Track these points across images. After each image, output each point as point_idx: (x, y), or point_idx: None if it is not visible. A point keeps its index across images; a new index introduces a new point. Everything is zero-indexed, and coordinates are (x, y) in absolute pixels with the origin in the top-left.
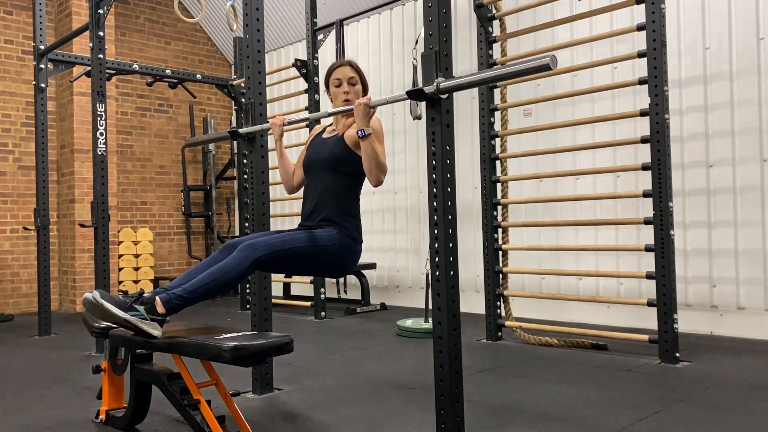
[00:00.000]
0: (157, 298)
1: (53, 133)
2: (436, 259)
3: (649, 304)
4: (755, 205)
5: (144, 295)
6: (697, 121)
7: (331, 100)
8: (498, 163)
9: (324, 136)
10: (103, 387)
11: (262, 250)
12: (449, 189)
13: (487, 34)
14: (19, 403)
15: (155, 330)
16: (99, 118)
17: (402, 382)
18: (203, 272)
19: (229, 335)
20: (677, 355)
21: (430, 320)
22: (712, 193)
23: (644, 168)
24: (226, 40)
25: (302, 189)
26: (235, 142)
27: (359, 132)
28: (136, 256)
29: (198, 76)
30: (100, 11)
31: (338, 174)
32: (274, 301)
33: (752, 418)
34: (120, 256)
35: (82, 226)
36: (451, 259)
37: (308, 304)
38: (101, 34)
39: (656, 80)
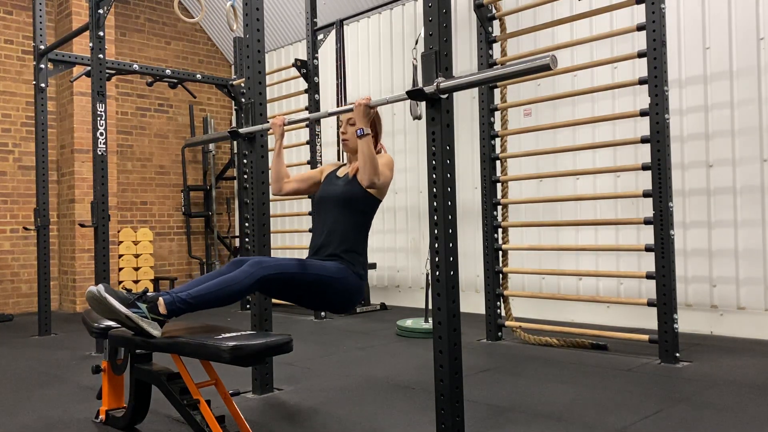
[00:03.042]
0: (160, 298)
1: (53, 133)
2: (436, 259)
3: (649, 304)
4: (755, 205)
5: (147, 294)
6: (697, 121)
7: None
8: (498, 163)
9: (338, 174)
10: (103, 387)
11: (270, 269)
12: (449, 189)
13: (487, 34)
14: (19, 402)
15: (155, 329)
16: (99, 118)
17: (402, 382)
18: (209, 281)
19: (228, 335)
20: (677, 355)
21: (430, 320)
22: (712, 193)
23: (644, 168)
24: (226, 40)
25: (311, 223)
26: (235, 142)
27: (358, 131)
28: (136, 256)
29: (198, 76)
30: (100, 11)
31: (349, 210)
32: (274, 301)
33: (752, 418)
34: (120, 256)
35: (82, 226)
36: (451, 259)
37: None
38: (101, 34)
39: (656, 80)
